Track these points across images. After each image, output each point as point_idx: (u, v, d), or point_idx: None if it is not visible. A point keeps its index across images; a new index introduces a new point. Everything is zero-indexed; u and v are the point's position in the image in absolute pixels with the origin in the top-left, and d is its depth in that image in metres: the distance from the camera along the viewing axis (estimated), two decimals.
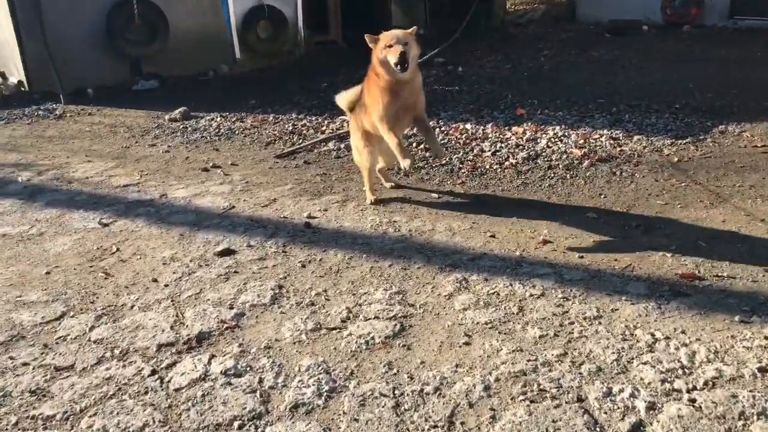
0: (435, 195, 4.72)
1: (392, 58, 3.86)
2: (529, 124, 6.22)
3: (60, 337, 3.07)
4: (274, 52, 10.62)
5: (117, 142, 6.61)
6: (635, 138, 5.66)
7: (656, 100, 6.95)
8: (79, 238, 4.23)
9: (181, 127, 7.05)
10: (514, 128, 6.09)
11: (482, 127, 6.23)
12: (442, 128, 6.29)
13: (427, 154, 5.52)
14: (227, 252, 3.92)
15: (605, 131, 5.87)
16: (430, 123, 6.21)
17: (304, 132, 6.56)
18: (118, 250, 4.04)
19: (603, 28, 12.42)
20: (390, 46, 3.88)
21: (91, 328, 3.13)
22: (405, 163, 3.99)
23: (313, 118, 7.07)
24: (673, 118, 6.21)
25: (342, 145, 5.91)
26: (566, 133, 5.85)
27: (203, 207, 4.69)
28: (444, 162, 5.35)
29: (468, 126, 6.29)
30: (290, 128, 6.72)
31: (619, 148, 5.41)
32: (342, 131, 6.19)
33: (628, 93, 7.34)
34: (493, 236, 3.97)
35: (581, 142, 5.59)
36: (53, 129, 7.26)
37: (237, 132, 6.73)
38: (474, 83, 8.38)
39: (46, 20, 8.46)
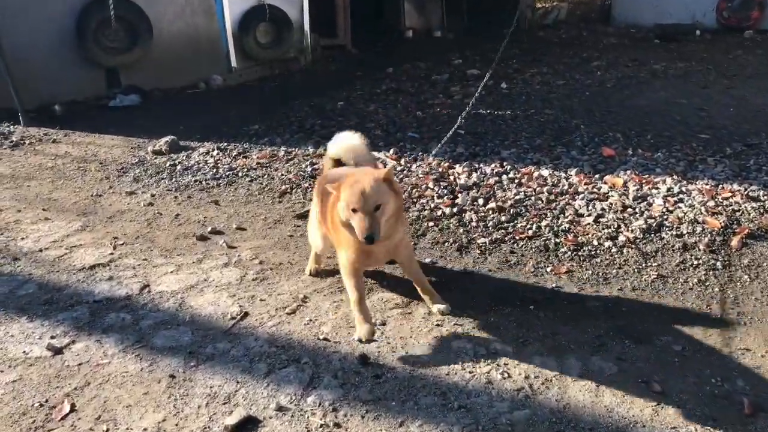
0: (538, 294, 3.28)
1: (357, 230, 2.71)
2: (627, 172, 4.77)
3: None
4: (276, 59, 9.09)
5: (86, 187, 5.10)
6: None
7: None
8: (15, 381, 2.75)
9: (169, 164, 5.54)
10: (609, 178, 4.64)
11: (564, 175, 4.78)
12: (510, 174, 4.84)
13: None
14: (246, 424, 2.45)
15: (735, 186, 4.43)
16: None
17: None
18: (73, 409, 2.57)
19: (649, 33, 10.97)
20: (354, 210, 2.69)
21: None
22: (361, 331, 2.82)
23: None
24: None
25: None
26: (683, 188, 4.42)
27: (202, 315, 3.22)
28: (531, 234, 3.91)
29: (544, 172, 4.83)
30: (308, 169, 5.24)
31: None
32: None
33: (734, 126, 5.89)
34: (661, 393, 2.53)
35: (710, 203, 4.16)
36: (5, 163, 5.73)
37: (240, 174, 5.23)
38: (528, 106, 6.91)
39: (0, 22, 6.89)
